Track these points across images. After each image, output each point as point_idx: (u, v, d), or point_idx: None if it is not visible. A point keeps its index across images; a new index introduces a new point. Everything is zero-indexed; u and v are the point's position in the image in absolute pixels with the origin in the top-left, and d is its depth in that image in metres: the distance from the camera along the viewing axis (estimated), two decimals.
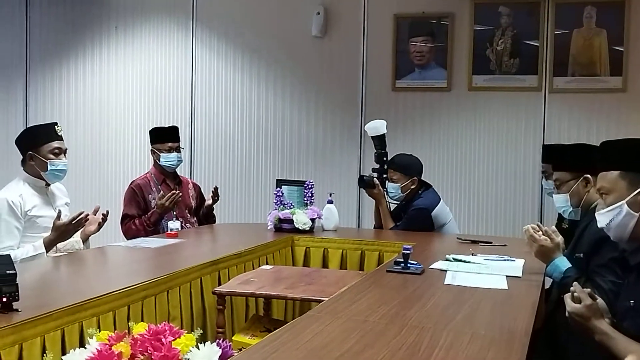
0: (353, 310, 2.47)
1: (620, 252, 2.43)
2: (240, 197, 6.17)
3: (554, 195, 3.29)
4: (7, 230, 3.69)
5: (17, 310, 2.28)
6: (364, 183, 4.76)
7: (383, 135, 4.77)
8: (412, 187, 4.63)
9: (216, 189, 4.95)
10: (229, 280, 3.36)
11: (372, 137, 4.80)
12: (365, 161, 5.98)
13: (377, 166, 4.77)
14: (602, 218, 2.32)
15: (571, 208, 3.14)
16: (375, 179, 4.74)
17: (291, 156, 6.22)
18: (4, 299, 2.27)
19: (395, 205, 4.78)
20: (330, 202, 4.60)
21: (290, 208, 4.51)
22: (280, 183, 4.67)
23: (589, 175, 3.04)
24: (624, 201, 2.24)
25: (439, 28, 5.92)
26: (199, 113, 6.34)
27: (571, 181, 3.12)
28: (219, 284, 3.33)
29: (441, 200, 4.64)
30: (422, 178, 4.71)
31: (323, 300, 2.70)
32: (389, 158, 4.74)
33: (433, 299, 2.65)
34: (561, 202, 3.17)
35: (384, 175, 4.74)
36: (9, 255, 2.39)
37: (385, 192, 4.71)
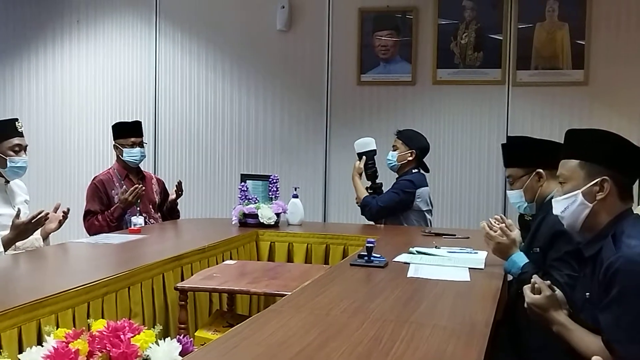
0: (315, 304, 2.46)
1: (576, 245, 2.45)
2: (204, 192, 6.14)
3: (508, 191, 3.30)
4: None
5: None
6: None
7: (374, 152, 4.75)
8: (409, 158, 4.64)
9: (180, 183, 4.91)
10: (192, 276, 3.33)
11: (362, 153, 4.72)
12: (331, 155, 5.98)
13: (369, 183, 4.72)
14: (558, 205, 2.35)
15: (526, 203, 3.15)
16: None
17: (256, 150, 6.20)
18: None
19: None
20: (295, 196, 4.58)
21: (255, 203, 4.48)
22: (244, 178, 4.65)
23: (541, 170, 3.06)
24: (579, 190, 2.26)
25: (403, 22, 5.93)
26: (163, 108, 6.28)
27: (524, 177, 3.13)
28: (182, 280, 3.30)
29: (428, 188, 4.65)
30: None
31: (286, 295, 2.69)
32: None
33: (396, 292, 2.65)
34: (515, 198, 3.18)
35: (379, 192, 4.71)
36: None
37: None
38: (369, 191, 4.70)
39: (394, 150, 4.68)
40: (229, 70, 6.24)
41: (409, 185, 4.57)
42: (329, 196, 5.99)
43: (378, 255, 3.15)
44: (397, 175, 4.71)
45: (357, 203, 4.76)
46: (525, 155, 3.15)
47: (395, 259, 3.23)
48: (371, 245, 3.12)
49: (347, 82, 6.01)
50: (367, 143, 4.77)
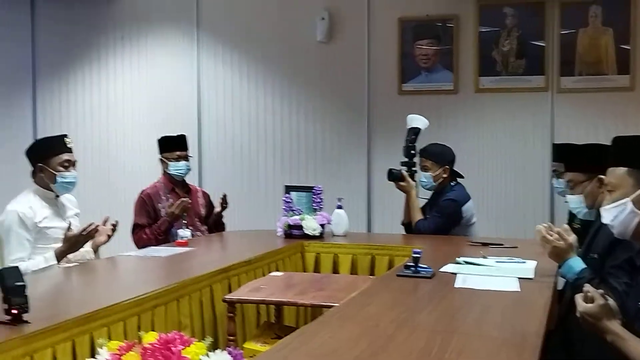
0: (363, 315, 2.47)
1: (636, 252, 2.41)
2: (249, 204, 6.17)
3: (567, 196, 3.27)
4: (18, 242, 3.71)
5: (27, 321, 2.28)
6: (393, 176, 4.71)
7: (419, 130, 4.73)
8: (444, 176, 4.63)
9: (224, 196, 4.96)
10: (239, 287, 3.36)
11: (410, 128, 4.73)
12: (373, 165, 5.98)
13: (406, 159, 4.73)
14: (607, 214, 2.32)
15: (585, 209, 3.12)
16: (403, 172, 4.70)
17: (299, 162, 6.22)
18: (14, 311, 2.27)
19: (425, 200, 4.76)
20: (340, 207, 4.59)
21: (300, 214, 4.50)
22: (288, 189, 4.66)
23: (602, 176, 3.02)
24: (628, 198, 2.23)
25: (443, 30, 5.92)
26: (207, 121, 6.35)
27: (585, 182, 3.10)
28: (230, 292, 3.32)
29: (471, 199, 4.63)
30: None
31: (333, 306, 2.69)
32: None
33: (443, 303, 2.64)
34: (575, 203, 3.15)
35: (413, 169, 4.71)
36: (17, 267, 2.39)
37: (415, 185, 4.69)
38: (402, 164, 4.69)
39: (425, 171, 4.65)
40: (270, 82, 6.28)
41: (453, 207, 4.55)
42: (373, 206, 5.98)
43: (425, 266, 3.14)
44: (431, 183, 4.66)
45: (402, 222, 4.77)
46: (587, 161, 3.12)
47: (442, 269, 3.21)
48: (418, 255, 3.11)
49: (388, 92, 6.00)
50: (414, 119, 4.76)
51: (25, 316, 2.29)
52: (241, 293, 3.13)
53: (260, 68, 6.28)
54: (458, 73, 5.86)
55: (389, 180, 4.74)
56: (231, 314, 3.05)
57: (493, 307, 2.59)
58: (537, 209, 5.65)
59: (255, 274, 3.70)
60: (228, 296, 3.10)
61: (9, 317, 2.27)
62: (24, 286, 2.30)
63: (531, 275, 3.09)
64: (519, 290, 2.85)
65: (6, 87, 6.41)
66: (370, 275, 3.99)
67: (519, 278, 3.02)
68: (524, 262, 3.37)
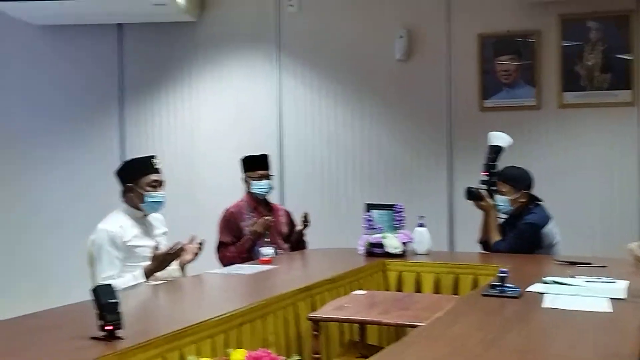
0: (450, 335, 2.44)
1: None
2: (329, 222, 6.19)
3: None
4: (108, 260, 3.83)
5: (120, 338, 2.35)
6: (471, 195, 4.66)
7: (501, 148, 4.68)
8: (522, 200, 4.55)
9: (306, 215, 5.00)
10: (322, 306, 3.37)
11: (491, 146, 4.68)
12: (455, 183, 5.92)
13: (486, 178, 4.67)
14: None
15: None
16: (483, 190, 4.66)
17: (379, 180, 6.22)
18: (109, 327, 2.34)
19: (503, 219, 4.70)
20: (421, 225, 4.56)
21: (381, 232, 4.50)
22: (369, 207, 4.66)
23: None
24: None
25: (524, 45, 5.84)
26: (288, 140, 6.42)
27: None
28: (313, 310, 3.34)
29: (552, 220, 4.53)
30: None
31: (418, 326, 2.67)
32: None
33: (533, 323, 2.59)
34: None
35: (493, 188, 4.65)
36: (111, 285, 2.46)
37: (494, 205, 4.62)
38: (481, 183, 4.62)
39: (502, 195, 4.57)
40: (350, 101, 6.31)
41: (532, 231, 4.45)
42: (455, 224, 5.92)
43: (511, 285, 3.09)
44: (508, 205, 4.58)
45: (479, 240, 4.70)
46: None
47: (529, 289, 3.15)
48: (504, 275, 3.06)
49: (469, 109, 5.96)
50: (496, 137, 4.69)
51: (118, 332, 2.36)
52: (325, 311, 3.14)
53: (340, 87, 6.32)
54: (541, 88, 5.76)
55: (467, 199, 4.69)
56: (316, 332, 3.07)
57: (584, 328, 2.52)
58: (625, 227, 5.48)
59: (338, 292, 3.71)
60: (312, 314, 3.11)
61: (103, 333, 2.34)
62: (117, 303, 2.37)
63: (623, 296, 3.00)
64: (611, 310, 2.76)
65: (95, 109, 6.65)
66: (454, 294, 3.95)
67: (610, 298, 2.93)
68: (614, 282, 3.27)
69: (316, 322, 3.07)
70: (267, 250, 4.40)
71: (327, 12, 6.33)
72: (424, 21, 6.09)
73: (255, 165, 4.98)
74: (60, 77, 6.64)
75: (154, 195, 3.96)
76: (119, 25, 6.54)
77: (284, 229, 5.05)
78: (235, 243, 4.79)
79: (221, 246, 4.83)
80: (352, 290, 3.74)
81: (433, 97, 6.07)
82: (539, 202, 4.60)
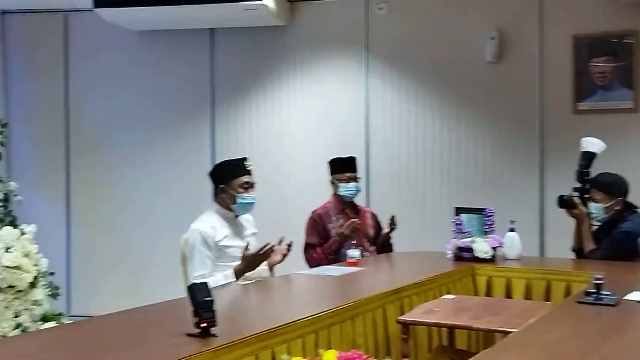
0: (544, 342, 2.39)
1: None
2: (416, 225, 6.16)
3: None
4: (200, 259, 3.92)
5: (214, 335, 2.40)
6: (563, 203, 4.56)
7: (594, 155, 4.57)
8: (616, 208, 4.41)
9: (393, 217, 4.98)
10: (411, 309, 3.36)
11: (583, 152, 4.57)
12: (547, 187, 5.79)
13: (578, 185, 4.56)
14: None
15: None
16: (575, 198, 4.54)
17: (467, 184, 6.14)
18: (203, 325, 2.40)
19: (596, 226, 4.57)
20: (512, 230, 4.48)
21: (470, 236, 4.44)
22: (459, 211, 4.61)
23: None
24: None
25: (620, 46, 5.66)
26: (375, 143, 6.41)
27: None
28: (402, 313, 3.34)
29: None
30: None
31: (510, 332, 2.63)
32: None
33: (631, 333, 2.51)
34: None
35: (586, 195, 4.53)
36: (206, 283, 2.52)
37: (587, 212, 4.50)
38: (574, 190, 4.51)
39: (596, 202, 4.43)
40: (438, 104, 6.26)
41: (628, 240, 4.32)
42: (546, 229, 5.79)
43: (607, 293, 3.00)
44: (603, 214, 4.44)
45: (572, 248, 4.59)
46: None
47: (627, 297, 3.05)
48: (600, 282, 2.97)
49: (562, 112, 5.82)
50: (589, 142, 4.57)
51: (212, 330, 2.41)
52: (415, 315, 3.13)
53: (428, 90, 6.28)
54: (638, 91, 5.57)
55: (560, 207, 4.59)
56: (405, 335, 3.06)
57: None
58: None
59: (427, 296, 3.68)
60: (402, 317, 3.11)
61: (198, 331, 2.40)
62: (212, 301, 2.42)
63: None
64: None
65: (188, 112, 6.81)
66: (546, 301, 3.86)
67: None
68: None
69: (405, 325, 3.06)
70: (354, 253, 4.41)
71: (416, 14, 6.30)
72: (516, 22, 5.99)
73: (342, 167, 5.00)
74: (155, 80, 6.84)
75: (245, 197, 4.04)
76: (212, 30, 6.69)
77: (371, 231, 5.05)
78: (322, 245, 4.81)
79: (308, 247, 4.86)
80: (441, 295, 3.72)
81: (524, 99, 5.95)
82: (636, 210, 4.44)
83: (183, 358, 2.16)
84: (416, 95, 6.32)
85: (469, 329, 3.15)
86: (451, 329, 3.42)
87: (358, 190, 5.01)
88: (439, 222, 6.11)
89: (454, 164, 6.20)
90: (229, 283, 3.83)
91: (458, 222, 4.51)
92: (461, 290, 4.05)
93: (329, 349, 2.73)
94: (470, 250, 4.36)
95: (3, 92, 7.02)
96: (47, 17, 6.99)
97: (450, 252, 4.45)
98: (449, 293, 3.81)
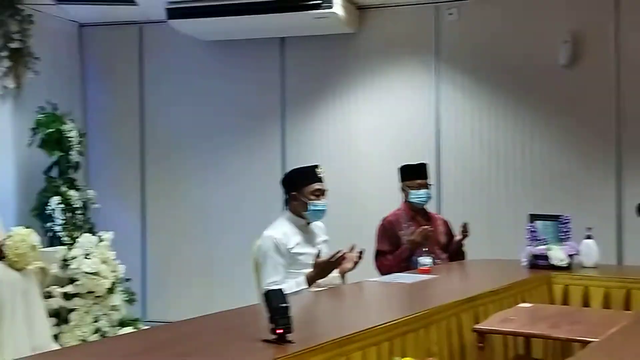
0: (628, 352, 2.32)
1: None
2: (489, 232, 6.07)
3: None
4: (273, 266, 3.96)
5: (290, 341, 2.41)
6: None
7: None
8: None
9: (465, 224, 4.93)
10: (485, 318, 3.32)
11: None
12: (625, 193, 5.64)
13: None
14: None
15: None
16: None
17: (542, 190, 6.02)
18: (279, 331, 2.41)
19: None
20: (589, 237, 4.38)
21: (545, 244, 4.36)
22: (533, 218, 4.53)
23: None
24: None
25: None
26: (446, 149, 6.35)
27: None
28: (476, 322, 3.29)
29: None
30: None
31: (591, 342, 2.57)
32: None
33: None
34: None
35: None
36: (282, 290, 2.54)
37: None
38: None
39: None
40: (511, 109, 6.17)
41: None
42: (624, 237, 5.63)
43: None
44: None
45: None
46: None
47: None
48: None
49: None
50: None
51: (288, 336, 2.42)
52: (491, 323, 3.09)
53: (501, 95, 6.19)
54: None
55: (638, 216, 4.46)
56: (481, 344, 3.02)
57: None
58: None
59: (502, 304, 3.62)
60: (478, 326, 3.07)
61: (274, 337, 2.42)
62: (288, 307, 2.44)
63: None
64: None
65: (258, 120, 6.87)
66: (625, 310, 3.76)
67: None
68: None
69: (481, 334, 3.02)
70: (425, 260, 4.38)
71: (487, 18, 6.22)
72: (591, 25, 5.86)
73: (413, 174, 4.97)
74: (227, 90, 6.92)
75: (317, 204, 4.06)
76: (282, 39, 6.75)
77: (443, 238, 5.01)
78: (393, 252, 4.79)
79: (379, 255, 4.85)
80: (516, 303, 3.66)
81: (600, 104, 5.82)
82: None
83: None
84: (488, 101, 6.24)
85: (547, 338, 3.09)
86: (528, 338, 3.36)
87: (429, 197, 4.97)
88: (512, 229, 6.00)
89: (528, 170, 6.10)
90: (301, 290, 3.85)
91: (533, 229, 4.44)
92: (537, 298, 3.97)
93: (404, 356, 2.73)
94: (545, 257, 4.28)
95: (82, 102, 7.23)
96: (123, 29, 7.17)
97: (525, 259, 4.38)
98: (524, 301, 3.74)
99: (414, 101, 6.46)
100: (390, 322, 2.81)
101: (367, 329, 2.68)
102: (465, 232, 4.93)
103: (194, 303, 6.77)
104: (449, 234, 5.07)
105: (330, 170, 6.38)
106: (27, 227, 5.20)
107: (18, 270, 5.02)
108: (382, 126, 6.54)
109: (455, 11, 6.27)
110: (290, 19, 6.09)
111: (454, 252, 5.00)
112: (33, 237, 5.10)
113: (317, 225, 4.23)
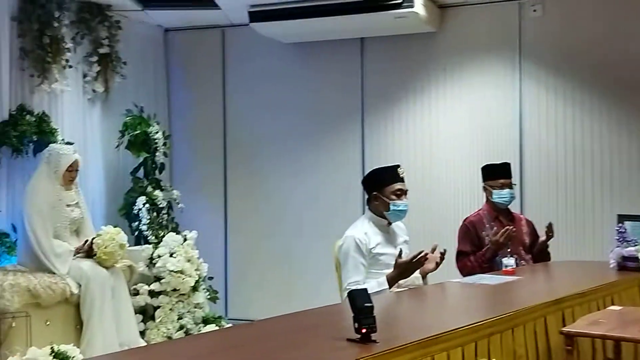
0: None
1: None
2: (574, 233, 5.93)
3: None
4: (354, 266, 3.95)
5: (375, 341, 2.41)
6: None
7: None
8: None
9: (550, 225, 4.82)
10: (572, 320, 3.24)
11: None
12: None
13: None
14: None
15: None
16: None
17: (630, 190, 5.84)
18: (364, 330, 2.42)
19: None
20: None
21: (635, 245, 4.22)
22: (622, 218, 4.40)
23: None
24: None
25: None
26: (529, 148, 6.23)
27: None
28: (563, 324, 3.22)
29: None
30: None
31: None
32: None
33: None
34: None
35: None
36: (366, 289, 2.54)
37: None
38: None
39: None
40: (597, 106, 6.00)
41: None
42: None
43: None
44: None
45: None
46: None
47: None
48: None
49: None
50: None
51: (373, 336, 2.43)
52: (579, 326, 3.02)
53: (586, 91, 6.04)
54: None
55: None
56: (569, 347, 2.95)
57: None
58: None
59: (589, 307, 3.54)
60: (566, 329, 3.00)
61: (358, 336, 2.42)
62: (372, 307, 2.44)
63: None
64: None
65: (339, 120, 6.88)
66: None
67: None
68: None
69: (570, 337, 2.95)
70: (509, 261, 4.32)
71: (572, 14, 6.07)
72: None
73: (496, 173, 4.89)
74: (307, 91, 6.97)
75: (398, 204, 4.03)
76: (362, 39, 6.75)
77: (526, 239, 4.91)
78: (475, 253, 4.72)
79: (461, 255, 4.79)
80: (604, 306, 3.58)
81: None
82: None
83: None
84: (573, 98, 6.09)
85: (638, 342, 3.00)
86: (618, 342, 3.26)
87: (512, 197, 4.89)
88: (599, 230, 5.86)
89: (615, 169, 5.92)
90: (382, 290, 3.84)
91: (622, 230, 4.31)
92: (627, 301, 3.86)
93: (489, 358, 2.70)
94: (635, 259, 4.16)
95: (166, 105, 7.42)
96: (206, 33, 7.33)
97: (614, 261, 4.26)
98: (613, 304, 3.64)
99: (496, 100, 6.36)
100: (475, 323, 2.78)
101: (451, 330, 2.65)
102: (550, 232, 4.82)
103: (274, 301, 6.85)
104: (533, 234, 4.97)
105: (410, 171, 6.36)
106: (115, 227, 5.39)
107: (107, 268, 5.21)
108: (463, 126, 6.46)
109: (539, 7, 6.15)
110: (371, 19, 6.10)
111: (538, 253, 4.90)
112: (121, 236, 5.28)
113: (398, 226, 4.21)
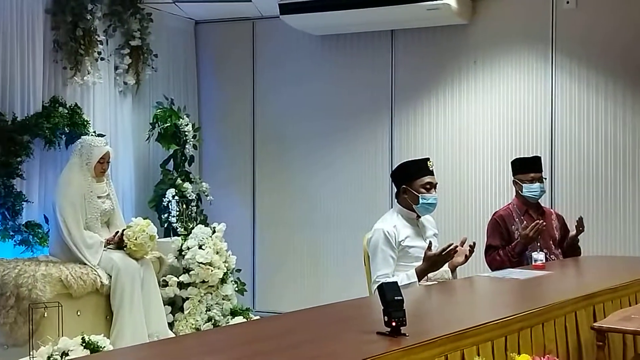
0: None
1: None
2: (606, 228, 5.86)
3: None
4: (383, 258, 3.96)
5: (404, 334, 2.41)
6: None
7: None
8: None
9: (581, 219, 4.77)
10: (604, 316, 3.21)
11: None
12: None
13: None
14: None
15: None
16: None
17: None
18: (394, 323, 2.42)
19: None
20: None
21: None
22: None
23: None
24: None
25: None
26: (560, 142, 6.16)
27: None
28: (594, 319, 3.20)
29: None
30: None
31: None
32: None
33: None
34: None
35: None
36: (396, 282, 2.54)
37: None
38: None
39: None
40: (630, 99, 5.92)
41: None
42: None
43: None
44: None
45: None
46: None
47: None
48: None
49: None
50: None
51: (402, 329, 2.42)
52: (611, 321, 2.98)
53: (620, 84, 5.95)
54: None
55: None
56: (600, 343, 2.93)
57: None
58: None
59: (621, 302, 3.50)
60: (597, 324, 2.98)
61: (388, 329, 2.42)
62: (402, 300, 2.44)
63: None
64: None
65: (368, 113, 6.83)
66: None
67: None
68: None
69: (601, 332, 2.93)
70: (538, 256, 4.28)
71: (605, 6, 5.99)
72: None
73: (527, 167, 4.85)
74: (337, 84, 6.95)
75: (428, 197, 4.02)
76: (392, 31, 6.72)
77: (556, 233, 4.87)
78: (505, 247, 4.70)
79: (490, 249, 4.76)
80: (635, 302, 3.54)
81: None
82: None
83: (376, 355, 2.19)
84: (606, 91, 6.00)
85: None
86: None
87: (543, 191, 4.84)
88: (630, 224, 5.79)
89: None
90: (411, 283, 3.84)
91: None
92: None
93: (519, 353, 2.69)
94: None
95: (196, 97, 7.46)
96: (236, 25, 7.34)
97: None
98: None
99: (528, 93, 6.29)
100: (505, 317, 2.76)
101: (481, 325, 2.64)
102: (580, 227, 4.77)
103: (301, 294, 6.87)
104: (564, 228, 4.93)
105: (440, 164, 6.36)
106: (145, 218, 5.44)
107: (137, 259, 5.26)
108: (494, 119, 6.41)
109: None
110: (402, 11, 6.05)
111: (568, 247, 4.86)
112: (151, 227, 5.33)
113: (427, 219, 4.20)
